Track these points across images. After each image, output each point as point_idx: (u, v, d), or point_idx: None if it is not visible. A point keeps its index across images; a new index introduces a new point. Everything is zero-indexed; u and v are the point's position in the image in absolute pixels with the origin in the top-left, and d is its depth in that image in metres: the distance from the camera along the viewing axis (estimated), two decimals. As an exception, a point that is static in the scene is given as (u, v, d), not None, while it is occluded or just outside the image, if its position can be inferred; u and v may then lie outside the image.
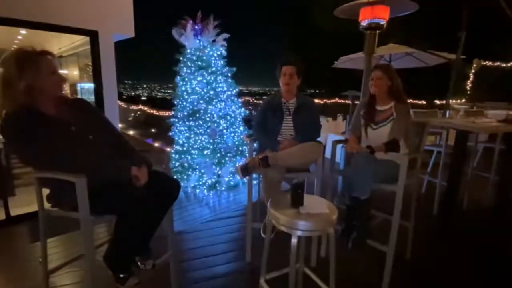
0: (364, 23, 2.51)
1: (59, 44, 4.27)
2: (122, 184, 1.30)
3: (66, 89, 1.31)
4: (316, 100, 13.17)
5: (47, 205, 1.38)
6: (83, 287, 1.83)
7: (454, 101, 8.10)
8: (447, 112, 3.97)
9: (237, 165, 3.74)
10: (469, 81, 8.94)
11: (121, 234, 1.31)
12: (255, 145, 2.17)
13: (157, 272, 1.56)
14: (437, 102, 9.61)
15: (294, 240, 1.26)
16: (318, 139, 2.09)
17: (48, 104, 1.28)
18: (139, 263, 1.50)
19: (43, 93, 1.24)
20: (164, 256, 1.65)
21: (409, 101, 2.01)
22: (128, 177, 1.32)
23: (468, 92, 9.01)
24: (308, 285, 1.65)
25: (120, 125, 3.69)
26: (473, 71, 8.72)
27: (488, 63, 8.71)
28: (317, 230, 1.27)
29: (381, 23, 2.47)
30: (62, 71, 1.20)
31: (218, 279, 1.92)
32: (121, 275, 1.36)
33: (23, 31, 3.80)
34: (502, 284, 1.94)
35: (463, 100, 8.88)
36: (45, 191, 1.36)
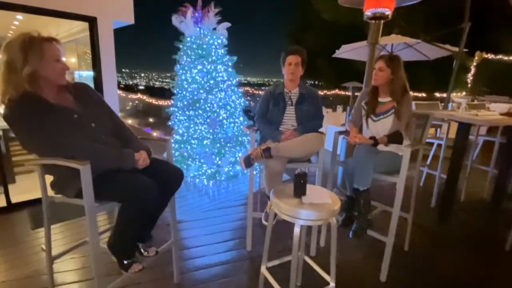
0: (368, 13, 2.47)
1: (57, 30, 4.19)
2: (125, 172, 1.30)
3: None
4: (316, 92, 13.04)
5: (50, 192, 1.38)
6: (87, 272, 1.85)
7: (454, 94, 8.08)
8: (450, 104, 3.96)
9: (239, 155, 3.75)
10: (470, 74, 8.89)
11: (124, 222, 1.31)
12: (257, 136, 2.17)
13: (159, 259, 1.58)
14: (437, 95, 9.58)
15: (296, 229, 1.27)
16: (320, 130, 2.09)
17: (51, 91, 1.26)
18: (142, 250, 1.52)
19: (46, 80, 1.22)
20: (166, 243, 1.66)
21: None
22: (132, 165, 1.32)
23: (469, 85, 8.98)
24: (308, 273, 1.68)
25: (119, 114, 3.66)
26: (474, 63, 8.66)
27: (490, 56, 8.65)
28: (319, 219, 1.28)
29: (386, 12, 2.43)
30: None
31: (219, 266, 1.95)
32: (125, 261, 1.38)
33: (19, 16, 3.73)
34: (499, 276, 1.97)
35: (464, 93, 8.86)
36: (48, 178, 1.36)
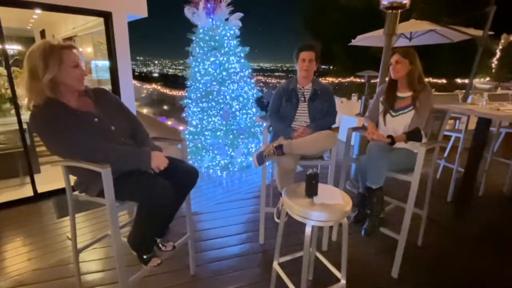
0: (385, 2, 2.39)
1: (73, 24, 4.27)
2: (143, 174, 1.35)
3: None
4: (331, 79, 12.80)
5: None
6: (110, 262, 1.97)
7: (477, 80, 7.70)
8: (469, 97, 3.79)
9: (251, 146, 3.79)
10: (494, 58, 8.42)
11: (143, 221, 1.39)
12: (269, 135, 2.17)
13: (176, 251, 1.66)
14: (458, 81, 9.16)
15: (308, 229, 1.30)
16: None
17: (71, 97, 1.32)
18: (160, 245, 1.60)
19: (66, 86, 1.28)
20: (183, 238, 1.74)
21: (428, 79, 1.93)
22: (149, 163, 1.37)
23: (493, 70, 8.52)
24: (320, 267, 1.72)
25: (134, 103, 3.75)
26: (500, 47, 8.18)
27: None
28: (330, 220, 1.30)
29: (404, 1, 2.34)
30: (78, 48, 1.22)
31: (233, 259, 2.03)
32: (145, 256, 1.47)
33: (38, 11, 3.81)
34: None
35: (487, 78, 8.44)
36: (73, 177, 1.44)
